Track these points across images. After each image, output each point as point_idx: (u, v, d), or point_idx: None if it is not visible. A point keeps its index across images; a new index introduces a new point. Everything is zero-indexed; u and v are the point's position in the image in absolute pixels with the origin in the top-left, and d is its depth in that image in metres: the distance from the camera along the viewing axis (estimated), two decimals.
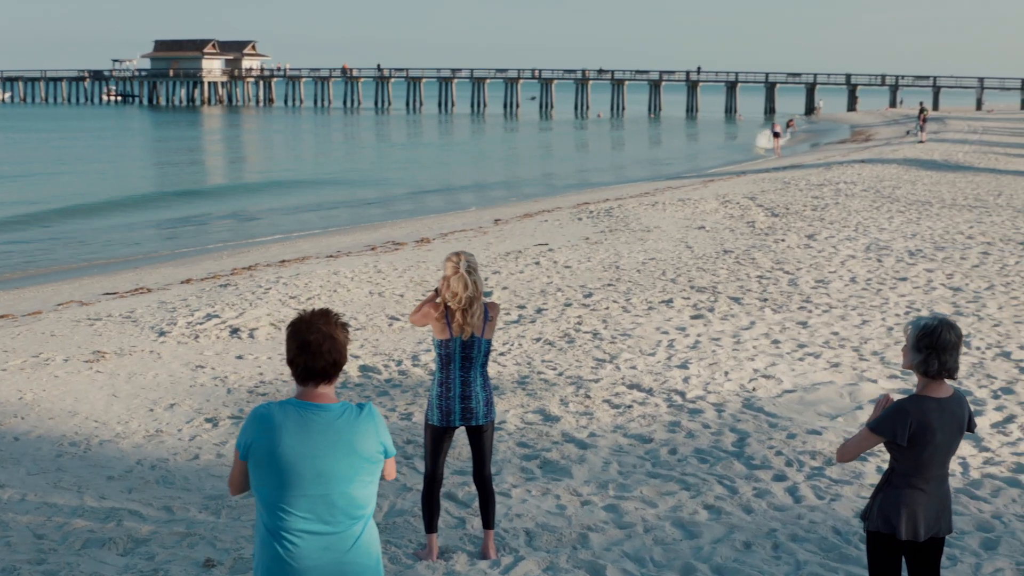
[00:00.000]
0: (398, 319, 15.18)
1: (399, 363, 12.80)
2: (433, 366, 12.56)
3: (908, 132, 70.11)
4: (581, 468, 9.37)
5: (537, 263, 19.95)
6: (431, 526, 7.57)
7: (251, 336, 14.24)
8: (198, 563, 7.50)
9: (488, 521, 7.63)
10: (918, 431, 5.53)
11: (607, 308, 15.85)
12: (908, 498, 5.60)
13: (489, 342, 7.43)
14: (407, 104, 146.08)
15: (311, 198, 39.68)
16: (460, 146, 78.40)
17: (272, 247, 25.44)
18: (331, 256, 21.70)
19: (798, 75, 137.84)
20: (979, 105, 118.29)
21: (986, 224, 24.84)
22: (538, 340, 13.90)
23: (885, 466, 9.56)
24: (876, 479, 9.19)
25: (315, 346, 4.62)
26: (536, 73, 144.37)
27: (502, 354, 13.11)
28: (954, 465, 9.60)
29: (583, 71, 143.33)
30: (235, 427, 10.51)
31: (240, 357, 13.21)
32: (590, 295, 16.87)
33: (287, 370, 12.68)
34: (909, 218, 25.90)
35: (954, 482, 9.19)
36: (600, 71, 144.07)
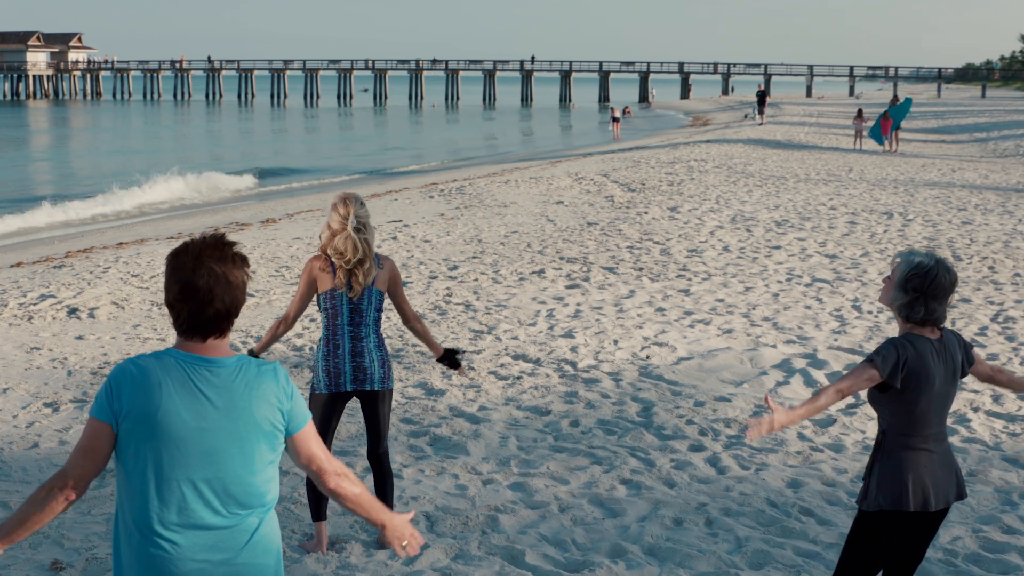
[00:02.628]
0: (252, 295, 13.87)
1: (257, 339, 11.56)
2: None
3: (746, 116, 70.92)
4: (477, 444, 8.33)
5: (394, 238, 18.79)
6: (319, 513, 6.41)
7: (91, 316, 12.76)
8: (43, 566, 6.23)
9: (386, 505, 6.51)
10: (913, 375, 4.63)
11: (476, 280, 14.83)
12: (910, 462, 4.70)
13: (382, 294, 6.34)
14: (239, 96, 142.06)
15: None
16: (294, 134, 76.12)
17: (107, 232, 23.70)
18: (172, 238, 20.17)
19: (632, 64, 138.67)
20: (809, 92, 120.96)
21: (845, 196, 24.64)
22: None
23: (808, 439, 8.78)
24: (799, 446, 8.40)
25: (203, 291, 3.48)
26: (370, 64, 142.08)
27: None
28: (875, 429, 8.86)
29: (417, 61, 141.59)
30: (79, 411, 9.16)
31: (80, 338, 11.74)
32: (455, 268, 15.83)
33: (135, 349, 11.46)
34: (768, 191, 25.56)
35: None
36: (434, 61, 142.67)
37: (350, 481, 3.75)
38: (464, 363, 10.30)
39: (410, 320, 6.57)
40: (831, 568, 6.33)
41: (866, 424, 8.98)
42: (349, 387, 6.23)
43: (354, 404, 8.17)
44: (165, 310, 13.00)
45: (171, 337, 11.62)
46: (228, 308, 3.54)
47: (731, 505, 7.23)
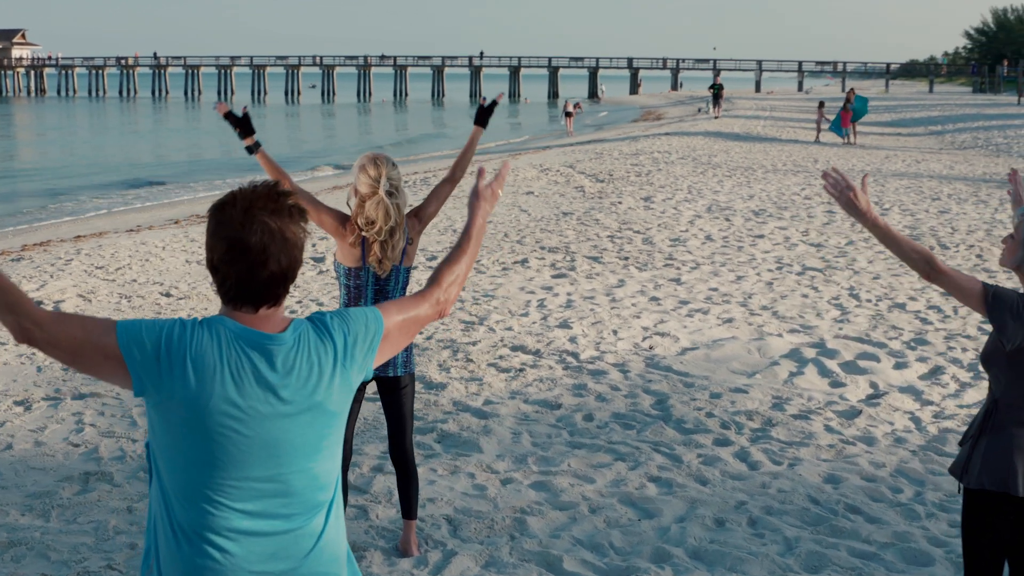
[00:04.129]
0: None
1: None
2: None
3: (700, 110, 70.67)
4: (489, 441, 7.77)
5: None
6: None
7: (57, 309, 12.04)
8: None
9: (410, 509, 5.91)
10: None
11: None
12: (1022, 441, 4.20)
13: (409, 271, 5.75)
14: (185, 93, 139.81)
15: (92, 179, 36.53)
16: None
17: (63, 225, 22.84)
18: (131, 231, 19.42)
19: (581, 59, 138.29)
20: (758, 87, 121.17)
21: (816, 186, 24.28)
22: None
23: (826, 426, 8.31)
24: (829, 439, 7.92)
25: (256, 250, 2.89)
26: (317, 60, 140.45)
27: None
28: (905, 421, 8.43)
29: (365, 57, 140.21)
30: (53, 410, 8.48)
31: None
32: (433, 258, 15.25)
33: None
34: (739, 181, 25.16)
35: (914, 439, 8.00)
36: (382, 57, 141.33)
37: (451, 277, 3.37)
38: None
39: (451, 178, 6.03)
40: (891, 570, 5.87)
41: (892, 415, 8.52)
42: (371, 374, 5.63)
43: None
44: (136, 302, 12.38)
45: None
46: (284, 270, 2.94)
47: (772, 503, 6.73)
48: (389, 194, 5.47)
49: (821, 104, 41.67)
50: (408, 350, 5.72)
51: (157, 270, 14.40)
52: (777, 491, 6.92)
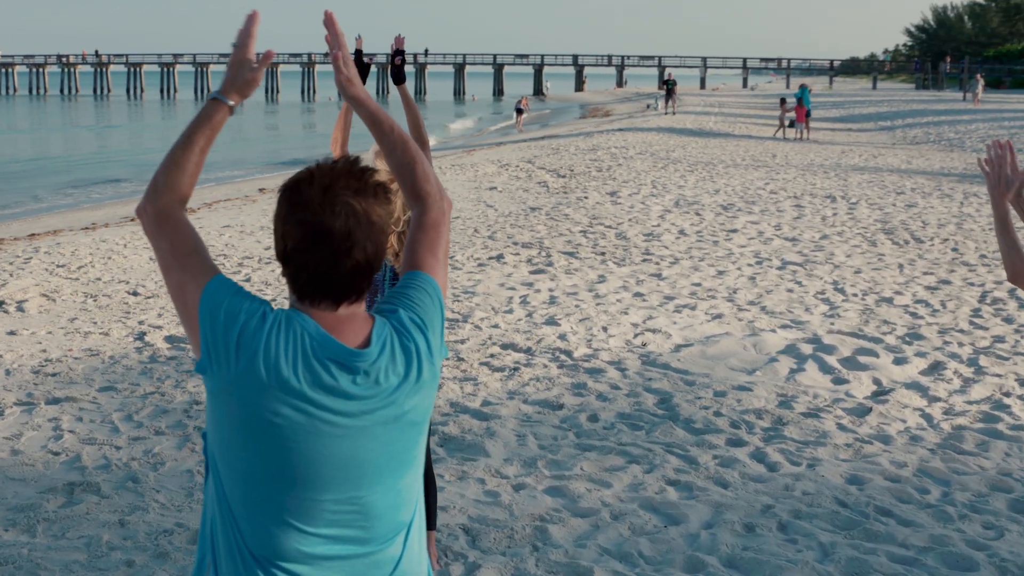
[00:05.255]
0: None
1: None
2: None
3: (649, 106, 70.61)
4: (494, 444, 7.40)
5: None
6: None
7: (20, 309, 11.46)
8: None
9: (431, 520, 5.55)
10: None
11: None
12: None
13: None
14: (127, 91, 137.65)
15: (38, 180, 35.67)
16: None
17: (13, 224, 22.14)
18: (87, 228, 18.81)
19: (526, 56, 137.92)
20: (703, 84, 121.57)
21: (780, 181, 24.16)
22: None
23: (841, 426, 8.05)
24: (844, 438, 7.64)
25: (339, 236, 2.49)
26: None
27: None
28: (917, 418, 8.17)
29: (309, 55, 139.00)
30: (27, 416, 8.00)
31: (12, 333, 10.47)
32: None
33: (76, 344, 10.29)
34: (702, 176, 24.97)
35: (929, 437, 7.74)
36: (327, 54, 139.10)
37: (426, 174, 2.94)
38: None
39: None
40: None
41: (903, 412, 8.27)
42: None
43: None
44: (102, 301, 11.87)
45: (115, 331, 10.48)
46: (370, 259, 2.55)
47: (799, 506, 6.43)
48: None
49: (783, 101, 41.54)
50: None
51: (121, 268, 13.87)
52: (802, 493, 6.62)
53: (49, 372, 9.07)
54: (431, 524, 5.53)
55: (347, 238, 2.49)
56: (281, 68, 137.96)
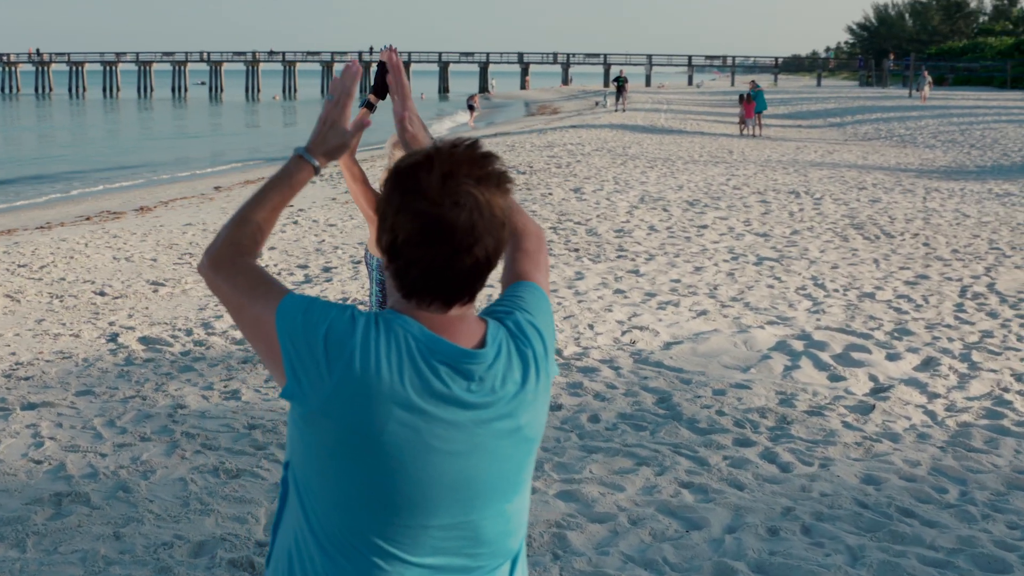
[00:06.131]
0: (163, 284, 12.36)
1: (189, 332, 10.11)
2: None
3: (597, 104, 70.60)
4: None
5: (295, 222, 17.37)
6: None
7: None
8: None
9: None
10: None
11: None
12: None
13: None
14: (70, 90, 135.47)
15: None
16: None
17: None
18: (42, 228, 18.33)
19: (471, 54, 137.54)
20: (648, 81, 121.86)
21: (741, 177, 24.09)
22: (344, 300, 11.51)
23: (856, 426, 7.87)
24: (852, 436, 7.48)
25: (462, 231, 2.19)
26: (205, 55, 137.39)
27: None
28: (920, 415, 8.02)
29: (253, 53, 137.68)
30: (3, 422, 7.63)
31: None
32: None
33: (47, 347, 9.87)
34: (663, 172, 24.85)
35: (937, 434, 7.59)
36: (271, 52, 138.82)
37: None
38: None
39: None
40: None
41: (905, 409, 8.12)
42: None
43: None
44: (69, 302, 11.47)
45: (85, 332, 10.11)
46: (490, 256, 2.25)
47: (820, 508, 6.23)
48: None
49: (742, 98, 41.45)
50: None
51: (85, 268, 13.46)
52: (820, 495, 6.43)
53: (21, 376, 8.70)
54: None
55: (470, 233, 2.20)
56: (225, 66, 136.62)
